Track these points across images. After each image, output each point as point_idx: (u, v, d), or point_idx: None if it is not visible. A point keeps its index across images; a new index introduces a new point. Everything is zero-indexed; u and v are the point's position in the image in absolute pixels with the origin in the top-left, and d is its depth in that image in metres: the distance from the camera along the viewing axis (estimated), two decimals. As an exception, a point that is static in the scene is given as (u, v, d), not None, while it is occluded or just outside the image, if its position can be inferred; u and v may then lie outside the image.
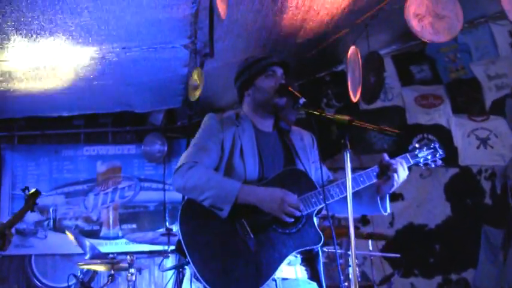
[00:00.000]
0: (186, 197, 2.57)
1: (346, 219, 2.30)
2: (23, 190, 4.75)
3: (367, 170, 2.63)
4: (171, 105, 6.87)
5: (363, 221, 6.13)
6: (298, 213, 2.43)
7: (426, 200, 6.40)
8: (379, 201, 2.65)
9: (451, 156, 6.00)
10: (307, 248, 2.49)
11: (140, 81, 5.69)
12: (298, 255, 2.57)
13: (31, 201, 4.68)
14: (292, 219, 2.43)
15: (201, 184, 2.46)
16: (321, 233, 2.51)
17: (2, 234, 4.28)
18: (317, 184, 2.64)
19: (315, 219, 2.62)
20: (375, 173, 2.62)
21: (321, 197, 2.51)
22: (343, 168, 2.32)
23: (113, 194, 7.30)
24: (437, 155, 2.76)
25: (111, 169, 7.38)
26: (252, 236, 2.42)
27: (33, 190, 4.80)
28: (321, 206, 2.52)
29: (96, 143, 7.44)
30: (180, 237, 2.46)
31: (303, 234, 2.48)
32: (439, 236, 6.30)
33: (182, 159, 2.64)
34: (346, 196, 2.49)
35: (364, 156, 6.26)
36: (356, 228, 5.67)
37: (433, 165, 2.77)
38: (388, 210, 2.71)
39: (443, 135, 6.17)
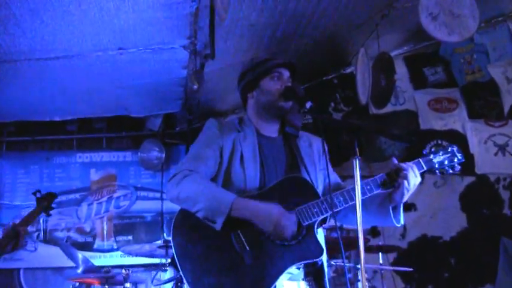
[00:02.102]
0: (180, 207, 2.57)
1: (355, 230, 2.28)
2: (34, 193, 4.79)
3: (375, 178, 2.57)
4: (169, 110, 6.87)
5: (372, 232, 6.10)
6: (289, 238, 2.40)
7: (440, 210, 6.37)
8: (391, 212, 2.61)
9: (467, 164, 5.97)
10: (307, 261, 2.46)
11: (137, 84, 5.69)
12: (301, 269, 2.54)
13: (45, 203, 4.72)
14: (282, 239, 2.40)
15: (195, 195, 2.46)
16: (322, 245, 2.48)
17: (16, 233, 4.30)
18: (325, 192, 2.63)
19: (320, 230, 2.61)
20: (382, 181, 2.57)
21: (324, 206, 2.48)
22: (352, 177, 2.31)
23: (107, 204, 7.29)
24: (455, 160, 2.67)
25: (105, 177, 7.38)
26: (247, 248, 2.40)
27: (47, 192, 4.85)
28: (323, 217, 2.50)
29: (89, 150, 7.44)
30: (173, 250, 2.46)
31: (303, 247, 2.45)
32: (454, 248, 6.26)
33: (177, 167, 2.64)
34: (352, 206, 2.48)
35: (374, 163, 6.25)
36: (366, 240, 5.65)
37: (450, 171, 2.67)
38: (402, 222, 2.66)
39: (458, 141, 6.13)
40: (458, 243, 6.27)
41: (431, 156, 2.66)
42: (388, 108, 6.28)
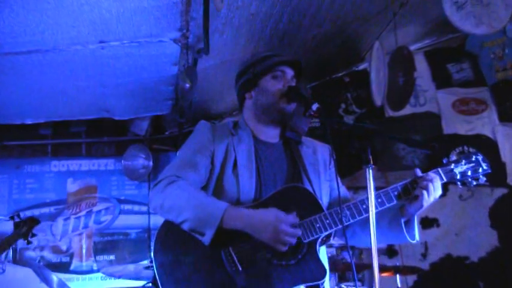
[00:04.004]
0: (164, 220, 2.56)
1: (368, 250, 2.28)
2: (12, 217, 4.81)
3: (387, 189, 2.57)
4: (157, 112, 6.88)
5: (389, 251, 6.11)
6: (293, 242, 2.39)
7: (467, 226, 6.37)
8: (403, 226, 2.60)
9: (497, 173, 5.98)
10: (308, 284, 2.45)
11: (120, 82, 5.70)
12: None
13: (25, 229, 4.73)
14: (286, 247, 2.38)
15: (180, 203, 2.46)
16: (325, 265, 2.48)
17: None
18: (330, 206, 2.64)
19: (323, 248, 2.61)
20: (395, 193, 2.57)
21: (328, 221, 2.48)
22: (365, 188, 2.32)
23: (86, 219, 7.30)
24: (479, 171, 2.66)
25: (84, 188, 7.39)
26: (240, 268, 2.40)
27: (27, 217, 4.87)
28: (326, 233, 2.50)
29: (66, 157, 7.46)
30: (155, 270, 2.45)
31: (304, 267, 2.44)
32: (483, 270, 6.26)
33: (163, 173, 2.64)
34: (360, 222, 2.49)
35: (390, 173, 6.26)
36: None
37: (474, 183, 2.65)
38: (417, 238, 2.66)
39: (487, 148, 6.14)
40: (488, 264, 6.26)
41: (452, 165, 2.66)
42: (407, 110, 6.29)
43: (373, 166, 2.32)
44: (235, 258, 2.42)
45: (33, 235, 4.83)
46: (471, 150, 6.12)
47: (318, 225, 2.48)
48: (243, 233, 2.41)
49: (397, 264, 5.67)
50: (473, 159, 2.68)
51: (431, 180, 2.52)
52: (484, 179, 2.67)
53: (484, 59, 6.37)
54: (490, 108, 6.38)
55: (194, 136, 2.77)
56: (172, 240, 2.50)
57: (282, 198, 2.53)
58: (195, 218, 2.41)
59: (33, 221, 4.84)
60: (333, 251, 5.65)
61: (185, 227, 2.44)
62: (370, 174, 2.31)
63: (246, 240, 2.42)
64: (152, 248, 2.51)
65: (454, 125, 6.44)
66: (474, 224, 6.35)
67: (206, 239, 2.39)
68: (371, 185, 2.31)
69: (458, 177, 2.65)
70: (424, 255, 6.36)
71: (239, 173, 2.61)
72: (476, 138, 6.34)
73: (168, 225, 2.52)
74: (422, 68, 6.45)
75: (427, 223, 6.28)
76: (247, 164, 2.63)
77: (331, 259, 4.95)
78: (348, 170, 5.86)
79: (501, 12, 4.34)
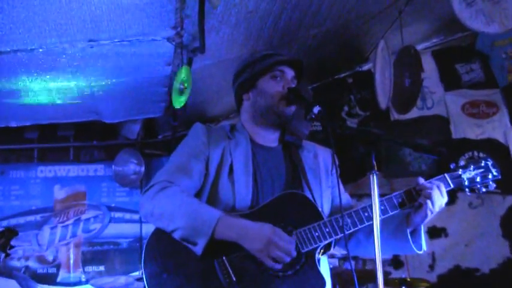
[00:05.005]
0: (155, 228, 2.55)
1: (373, 260, 2.28)
2: None
3: (390, 196, 2.58)
4: (150, 115, 6.87)
5: (394, 263, 6.10)
6: (287, 259, 2.38)
7: (477, 236, 6.36)
8: (409, 236, 2.60)
9: (509, 180, 5.96)
10: None
11: (111, 83, 5.69)
12: None
13: (2, 241, 4.73)
14: (280, 266, 2.39)
15: (172, 210, 2.46)
16: (325, 276, 2.47)
17: None
18: (332, 215, 2.63)
19: (324, 258, 2.61)
20: (399, 200, 2.57)
21: (327, 230, 2.48)
22: (369, 195, 2.31)
23: (74, 227, 7.29)
24: (489, 176, 2.67)
25: (72, 195, 7.38)
26: (234, 279, 2.40)
27: (5, 228, 4.87)
28: (325, 243, 2.50)
29: (53, 162, 7.44)
30: (144, 281, 2.45)
31: (301, 279, 2.44)
32: (494, 283, 6.25)
33: (155, 177, 2.65)
34: (364, 229, 2.50)
35: (396, 179, 6.25)
36: (386, 272, 5.64)
37: (483, 190, 2.66)
38: (425, 248, 2.66)
39: (498, 153, 6.13)
40: (499, 276, 6.24)
41: (460, 171, 2.67)
42: (414, 113, 6.29)
43: (378, 172, 2.32)
44: (229, 268, 2.41)
45: (11, 247, 4.83)
46: (481, 155, 6.12)
47: (316, 234, 2.48)
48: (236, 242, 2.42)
49: (403, 276, 5.67)
50: (483, 164, 2.69)
51: (436, 188, 2.53)
52: (494, 185, 2.67)
53: (495, 59, 6.37)
54: (502, 111, 6.38)
55: (188, 139, 2.77)
56: (163, 249, 2.49)
57: (279, 205, 2.54)
58: (187, 226, 2.41)
59: (11, 232, 4.83)
60: (336, 262, 5.65)
61: (176, 235, 2.44)
62: (374, 181, 2.31)
63: (240, 249, 2.42)
64: (142, 258, 2.49)
65: (464, 129, 6.44)
66: (485, 234, 6.33)
67: (198, 249, 2.39)
68: (375, 192, 2.30)
69: (466, 183, 2.66)
70: (432, 267, 6.35)
71: (235, 178, 2.61)
72: (486, 142, 6.33)
73: (159, 234, 2.52)
74: (429, 68, 6.45)
75: (435, 232, 6.28)
76: (244, 169, 2.63)
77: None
78: (351, 176, 5.87)
79: (513, 9, 4.35)
